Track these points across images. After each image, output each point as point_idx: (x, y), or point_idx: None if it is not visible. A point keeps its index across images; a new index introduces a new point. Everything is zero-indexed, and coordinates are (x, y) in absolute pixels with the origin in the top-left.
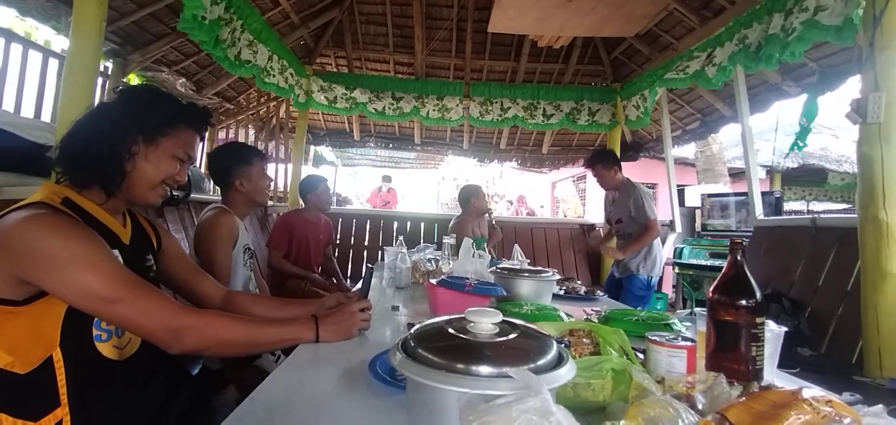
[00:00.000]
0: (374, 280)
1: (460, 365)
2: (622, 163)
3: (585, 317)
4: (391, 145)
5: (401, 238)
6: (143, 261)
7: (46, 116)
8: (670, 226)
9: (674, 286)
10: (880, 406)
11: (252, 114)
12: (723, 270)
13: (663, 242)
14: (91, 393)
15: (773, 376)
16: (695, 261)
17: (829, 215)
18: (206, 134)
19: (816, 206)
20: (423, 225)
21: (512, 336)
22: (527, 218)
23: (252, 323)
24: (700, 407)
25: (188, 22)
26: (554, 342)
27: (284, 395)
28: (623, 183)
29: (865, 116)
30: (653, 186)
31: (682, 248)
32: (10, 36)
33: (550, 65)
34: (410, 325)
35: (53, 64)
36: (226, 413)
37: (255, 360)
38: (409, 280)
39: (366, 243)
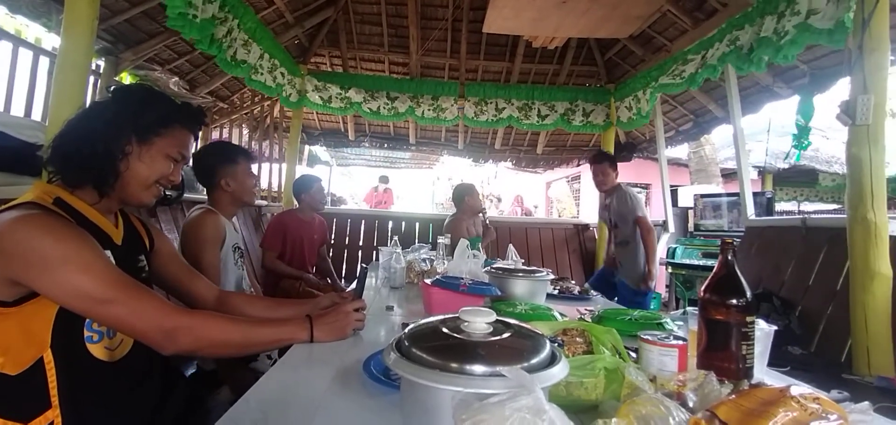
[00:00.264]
0: (368, 280)
1: (454, 365)
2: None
3: (579, 316)
4: (386, 145)
5: (395, 238)
6: (135, 262)
7: (37, 115)
8: (663, 226)
9: (666, 285)
10: (867, 403)
11: (246, 114)
12: (714, 270)
13: (657, 242)
14: (83, 394)
15: (764, 374)
16: (687, 261)
17: (819, 216)
18: (200, 133)
19: (807, 207)
20: (417, 225)
21: (506, 335)
22: (521, 218)
23: (246, 324)
24: (691, 404)
25: (177, 20)
26: (547, 341)
27: (279, 395)
28: (617, 186)
29: (854, 118)
30: (646, 187)
31: (675, 248)
32: None
33: (545, 65)
34: (405, 325)
35: (44, 62)
36: (220, 413)
37: (250, 363)
38: (404, 280)
39: (360, 243)
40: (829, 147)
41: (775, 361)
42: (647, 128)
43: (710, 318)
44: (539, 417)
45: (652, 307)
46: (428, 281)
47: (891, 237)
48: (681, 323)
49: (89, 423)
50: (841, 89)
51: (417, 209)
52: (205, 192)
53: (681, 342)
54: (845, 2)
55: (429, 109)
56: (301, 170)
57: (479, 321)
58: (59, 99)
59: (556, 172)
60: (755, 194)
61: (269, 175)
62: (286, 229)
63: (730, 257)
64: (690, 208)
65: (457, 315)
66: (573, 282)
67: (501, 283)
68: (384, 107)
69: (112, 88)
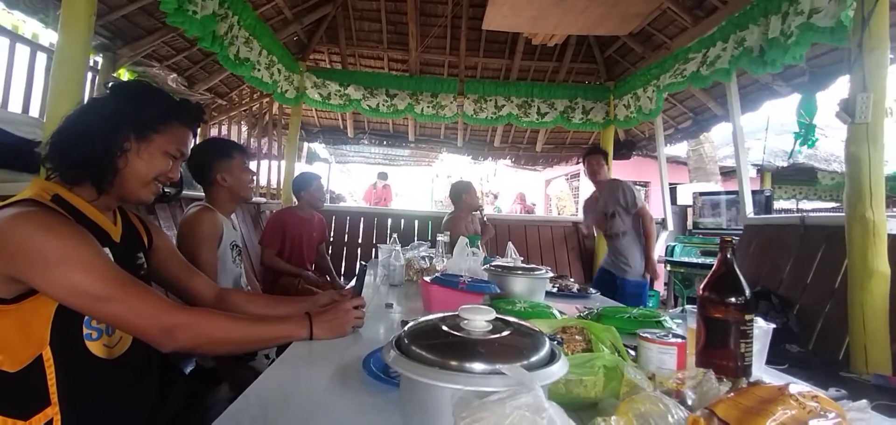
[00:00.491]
0: (367, 277)
1: (454, 362)
2: (615, 162)
3: (578, 314)
4: (385, 142)
5: (395, 235)
6: (133, 259)
7: (35, 111)
8: (662, 224)
9: (665, 283)
10: (864, 401)
11: (245, 111)
12: (713, 268)
13: (656, 239)
14: (82, 392)
15: (762, 372)
16: (686, 259)
17: (817, 214)
18: (199, 130)
19: (806, 205)
20: (416, 222)
21: (505, 333)
22: (520, 215)
23: (245, 321)
24: (690, 402)
25: (177, 16)
26: (547, 339)
27: (278, 393)
28: (612, 180)
29: (853, 116)
30: (645, 184)
31: (674, 246)
32: None
33: (544, 63)
34: (404, 323)
35: (42, 58)
36: (219, 411)
37: (249, 360)
38: (403, 277)
39: (359, 241)
40: (828, 145)
41: (773, 359)
42: (647, 126)
43: (709, 316)
44: (538, 415)
45: (650, 305)
46: (427, 278)
47: (889, 235)
48: (679, 321)
49: (88, 421)
50: (840, 87)
51: (416, 206)
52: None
53: (680, 340)
54: None
55: (428, 106)
56: (300, 167)
57: (478, 319)
58: (57, 95)
59: (555, 170)
60: (754, 192)
61: (268, 172)
62: (285, 226)
63: (728, 255)
64: (689, 206)
65: (456, 313)
66: (572, 279)
67: (501, 281)
68: (383, 105)
69: (110, 85)
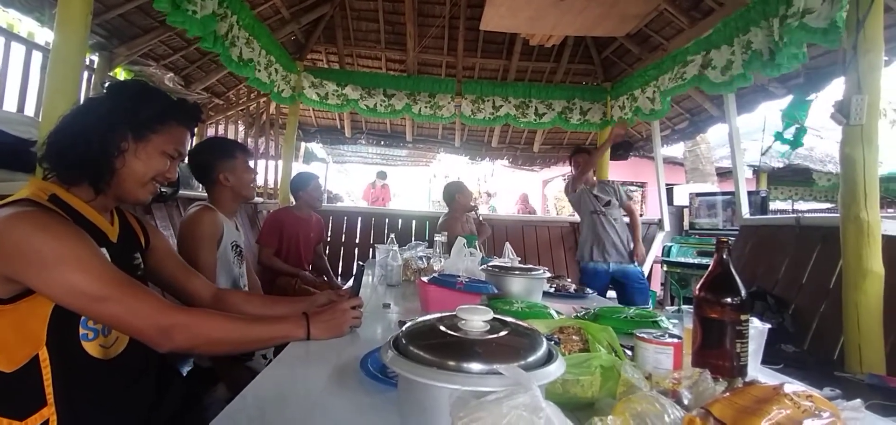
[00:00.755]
0: (365, 277)
1: (451, 362)
2: (612, 162)
3: (575, 314)
4: (382, 142)
5: (392, 236)
6: (130, 259)
7: (30, 110)
8: (659, 224)
9: (662, 283)
10: (858, 400)
11: (242, 110)
12: (709, 268)
13: (653, 240)
14: (78, 392)
15: (757, 372)
16: (682, 259)
17: (812, 215)
18: (196, 130)
19: (802, 206)
20: (414, 222)
21: (502, 333)
22: (518, 215)
23: (243, 322)
24: (686, 402)
25: (177, 16)
26: (544, 339)
27: (276, 393)
28: (598, 180)
29: (848, 118)
30: (642, 185)
31: (671, 246)
32: None
33: (542, 63)
34: (402, 323)
35: (37, 57)
36: (216, 411)
37: (246, 360)
38: (401, 277)
39: (357, 241)
40: (823, 146)
41: (769, 359)
42: (644, 127)
43: (705, 316)
44: (536, 415)
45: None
46: (425, 278)
47: (883, 236)
48: (676, 321)
49: (84, 421)
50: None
51: (414, 206)
52: (200, 189)
53: (676, 340)
54: (839, 1)
55: (425, 107)
56: (297, 167)
57: (476, 319)
58: (53, 95)
59: (552, 171)
60: (750, 193)
61: (265, 172)
62: (283, 226)
63: (725, 256)
64: (686, 207)
65: (454, 313)
66: (569, 279)
67: (498, 281)
68: (381, 105)
69: (107, 84)
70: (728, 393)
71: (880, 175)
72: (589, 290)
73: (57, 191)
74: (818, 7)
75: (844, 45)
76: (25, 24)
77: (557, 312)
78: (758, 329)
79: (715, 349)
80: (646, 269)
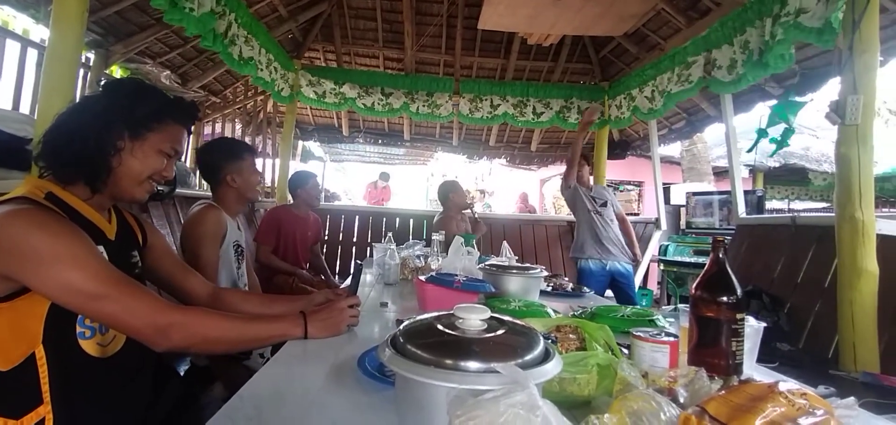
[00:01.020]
0: (362, 276)
1: (449, 361)
2: (609, 161)
3: (572, 313)
4: (380, 141)
5: (390, 234)
6: (128, 258)
7: (25, 108)
8: (656, 223)
9: (658, 282)
10: (852, 398)
11: (239, 109)
12: (705, 267)
13: (649, 239)
14: (74, 390)
15: (753, 370)
16: (679, 258)
17: (808, 214)
18: (193, 128)
19: (797, 205)
20: (412, 221)
21: (500, 332)
22: (515, 214)
23: (240, 320)
24: (682, 400)
25: (175, 14)
26: (541, 338)
27: (273, 392)
28: (595, 185)
29: (844, 117)
30: (639, 184)
31: (667, 245)
32: None
33: (540, 63)
34: (399, 321)
35: (32, 54)
36: (213, 410)
37: (244, 359)
38: (398, 276)
39: (354, 239)
40: (819, 146)
41: (764, 357)
42: (641, 126)
43: (701, 315)
44: (533, 413)
45: (643, 304)
46: (422, 277)
47: (878, 235)
48: (672, 319)
49: (81, 419)
50: (832, 89)
51: (412, 205)
52: (197, 188)
53: (672, 339)
54: (834, 2)
55: (423, 106)
56: (294, 165)
57: (473, 318)
58: (49, 92)
59: (549, 170)
60: (746, 192)
61: (263, 170)
62: (281, 224)
63: (721, 255)
64: (682, 206)
65: (451, 311)
66: (566, 278)
67: (495, 280)
68: (378, 103)
69: (103, 82)
70: (723, 392)
71: (875, 175)
72: (586, 289)
73: (54, 189)
74: (813, 7)
75: (840, 46)
76: (21, 21)
77: (554, 311)
78: (753, 327)
79: (711, 347)
80: (642, 269)
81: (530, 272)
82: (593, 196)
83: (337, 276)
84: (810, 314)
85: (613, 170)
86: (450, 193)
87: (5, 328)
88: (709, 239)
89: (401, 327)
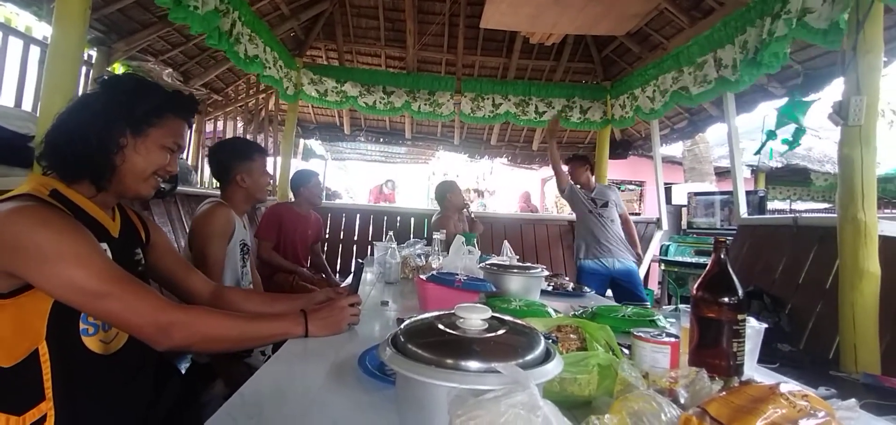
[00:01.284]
0: (363, 275)
1: (449, 361)
2: (611, 161)
3: (573, 312)
4: (382, 139)
5: (390, 233)
6: (131, 255)
7: (27, 105)
8: (657, 223)
9: (659, 282)
10: (853, 400)
11: (241, 107)
12: (707, 268)
13: (650, 239)
14: (77, 387)
15: (754, 371)
16: (680, 259)
17: (810, 215)
18: (194, 124)
19: (799, 206)
20: (413, 220)
21: (500, 331)
22: (516, 213)
23: (241, 319)
24: (682, 401)
25: (178, 11)
26: (542, 338)
27: (273, 390)
28: (597, 184)
29: (847, 118)
30: (641, 184)
31: (668, 246)
32: None
33: (542, 62)
34: (400, 321)
35: (35, 51)
36: (214, 408)
37: (245, 357)
38: (399, 275)
39: (355, 238)
40: (821, 146)
41: (765, 358)
42: (643, 126)
43: (702, 316)
44: (533, 413)
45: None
46: (423, 276)
47: (880, 236)
48: (673, 320)
49: (83, 416)
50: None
51: (413, 204)
52: (198, 185)
53: (673, 339)
54: (841, 3)
55: (425, 104)
56: (296, 164)
57: (474, 317)
58: (51, 89)
59: (550, 169)
60: (748, 193)
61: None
62: (282, 221)
63: (722, 255)
64: (684, 206)
65: (452, 311)
66: (567, 278)
67: (496, 279)
68: (380, 102)
69: (100, 79)
70: (724, 392)
71: (878, 175)
72: (587, 289)
73: (58, 187)
74: (819, 7)
75: (844, 46)
76: (23, 19)
77: (555, 310)
78: (754, 328)
79: (712, 348)
80: (643, 269)
81: (531, 271)
82: (593, 196)
83: (338, 275)
84: (811, 315)
85: (615, 169)
86: (447, 193)
87: (8, 324)
88: (710, 239)
89: (401, 326)
